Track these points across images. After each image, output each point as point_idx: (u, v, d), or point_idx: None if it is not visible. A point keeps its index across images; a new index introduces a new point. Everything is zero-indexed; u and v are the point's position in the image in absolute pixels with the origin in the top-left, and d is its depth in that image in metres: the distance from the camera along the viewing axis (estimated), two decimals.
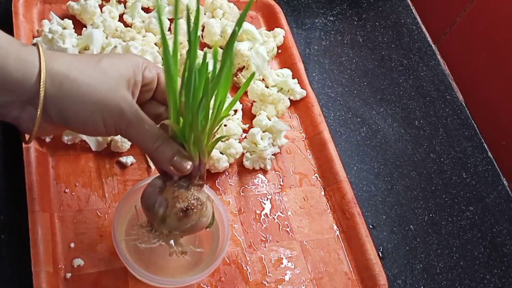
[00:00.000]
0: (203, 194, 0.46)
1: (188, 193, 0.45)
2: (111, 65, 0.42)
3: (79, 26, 0.67)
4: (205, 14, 0.75)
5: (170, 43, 0.40)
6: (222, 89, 0.42)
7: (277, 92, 0.69)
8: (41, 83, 0.38)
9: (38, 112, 0.39)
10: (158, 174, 0.47)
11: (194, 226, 0.46)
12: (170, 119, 0.43)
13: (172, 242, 0.46)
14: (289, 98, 0.71)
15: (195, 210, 0.45)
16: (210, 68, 0.41)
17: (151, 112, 0.46)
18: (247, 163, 0.64)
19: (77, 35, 0.65)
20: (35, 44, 0.40)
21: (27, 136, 0.43)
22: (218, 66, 0.40)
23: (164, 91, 0.45)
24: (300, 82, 0.72)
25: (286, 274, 0.58)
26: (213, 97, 0.42)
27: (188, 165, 0.44)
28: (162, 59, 0.41)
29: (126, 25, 0.70)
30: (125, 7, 0.72)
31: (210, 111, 0.42)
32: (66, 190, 0.55)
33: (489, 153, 0.82)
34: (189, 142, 0.43)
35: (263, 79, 0.72)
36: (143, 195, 0.46)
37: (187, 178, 0.46)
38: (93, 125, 0.41)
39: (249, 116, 0.69)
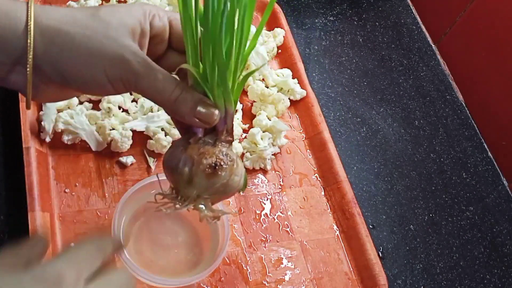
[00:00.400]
0: (233, 152, 0.41)
1: (216, 149, 0.39)
2: (111, 14, 0.37)
3: None
4: None
5: None
6: (247, 10, 0.35)
7: (277, 92, 0.70)
8: (29, 40, 0.34)
9: (28, 71, 0.35)
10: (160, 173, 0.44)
11: (226, 186, 0.40)
12: (189, 62, 0.37)
13: (202, 206, 0.40)
14: (289, 98, 0.71)
15: (225, 167, 0.39)
16: None
17: (169, 65, 0.40)
18: (247, 163, 0.64)
19: None
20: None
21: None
22: None
23: (181, 38, 0.39)
24: (300, 82, 0.72)
25: (286, 274, 0.58)
26: (236, 22, 0.36)
27: (215, 113, 0.38)
28: None
29: None
30: None
31: (234, 43, 0.36)
32: (66, 190, 0.55)
33: (489, 153, 0.82)
34: (212, 87, 0.37)
35: (263, 79, 0.72)
36: (165, 157, 0.41)
37: (213, 135, 0.40)
38: (96, 82, 0.37)
39: (249, 116, 0.69)
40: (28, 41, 0.34)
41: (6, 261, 0.31)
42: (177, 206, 0.39)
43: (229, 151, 0.40)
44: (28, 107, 0.38)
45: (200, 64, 0.37)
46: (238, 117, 0.67)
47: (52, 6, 0.37)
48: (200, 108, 0.38)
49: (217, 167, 0.39)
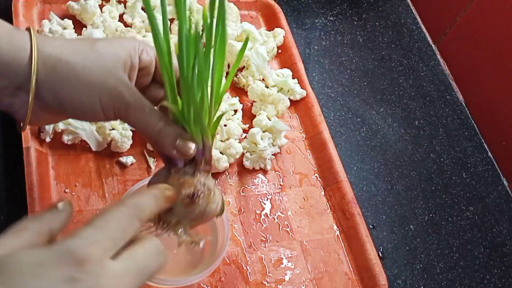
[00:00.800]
0: (211, 180, 0.44)
1: (194, 179, 0.42)
2: (107, 47, 0.40)
3: (79, 26, 0.67)
4: None
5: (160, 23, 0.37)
6: (218, 60, 0.39)
7: (277, 92, 0.69)
8: (33, 67, 0.36)
9: (30, 97, 0.37)
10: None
11: (203, 214, 0.43)
12: (168, 100, 0.40)
13: (181, 232, 0.43)
14: (289, 98, 0.71)
15: (202, 196, 0.42)
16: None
17: (152, 96, 0.44)
18: (247, 163, 0.64)
19: (77, 35, 0.65)
20: (28, 29, 0.38)
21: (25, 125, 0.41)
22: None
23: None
24: (300, 82, 0.72)
25: (286, 274, 0.58)
26: (210, 71, 0.39)
27: (192, 146, 0.41)
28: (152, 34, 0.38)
29: (126, 25, 0.70)
30: (125, 7, 0.72)
31: (209, 88, 0.40)
32: (66, 190, 0.55)
33: (489, 153, 0.82)
34: (189, 123, 0.40)
35: (263, 79, 0.72)
36: (148, 185, 0.44)
37: (193, 165, 0.43)
38: (91, 109, 0.39)
39: (249, 116, 0.69)
40: (32, 68, 0.36)
41: (27, 239, 0.31)
42: (158, 231, 0.42)
43: (207, 180, 0.43)
44: (23, 130, 0.41)
45: (179, 100, 0.40)
46: (238, 117, 0.67)
47: (51, 36, 0.39)
48: (179, 142, 0.41)
49: (194, 197, 0.42)
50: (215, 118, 0.42)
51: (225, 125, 0.65)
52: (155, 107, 0.41)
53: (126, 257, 0.31)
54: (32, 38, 0.37)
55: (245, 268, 0.57)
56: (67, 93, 0.38)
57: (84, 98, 0.38)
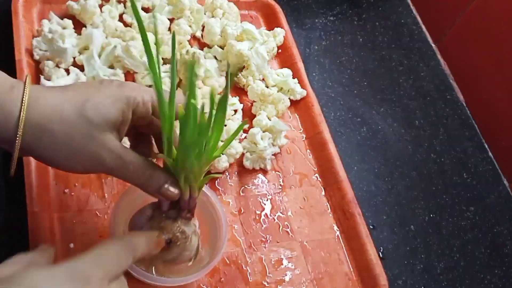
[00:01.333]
0: (190, 228, 0.47)
1: (174, 225, 0.45)
2: (96, 109, 0.40)
3: (79, 26, 0.67)
4: (205, 13, 0.75)
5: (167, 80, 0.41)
6: (215, 133, 0.42)
7: (277, 92, 0.69)
8: (17, 137, 0.38)
9: (14, 157, 0.39)
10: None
11: (176, 259, 0.47)
12: (164, 152, 0.43)
13: (153, 269, 0.49)
14: (289, 98, 0.71)
15: (178, 243, 0.45)
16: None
17: (154, 129, 0.46)
18: (247, 163, 0.64)
19: (77, 35, 0.65)
20: (24, 82, 0.39)
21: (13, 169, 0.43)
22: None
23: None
24: (300, 82, 0.72)
25: (286, 275, 0.58)
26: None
27: (176, 191, 0.44)
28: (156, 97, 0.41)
29: (126, 25, 0.70)
30: (125, 7, 0.72)
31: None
32: (66, 191, 0.55)
33: (489, 153, 0.82)
34: (180, 178, 0.43)
35: (263, 79, 0.72)
36: (132, 220, 0.47)
37: (176, 210, 0.46)
38: (74, 170, 0.41)
39: (249, 116, 0.69)
40: (17, 135, 0.38)
41: (26, 263, 0.36)
42: (134, 265, 0.45)
43: (187, 227, 0.46)
44: (13, 174, 0.42)
45: (174, 150, 0.43)
46: (238, 117, 0.67)
47: (45, 95, 0.40)
48: (164, 187, 0.43)
49: (171, 243, 0.45)
50: (202, 177, 0.45)
51: (225, 125, 0.65)
52: (140, 157, 0.43)
53: (119, 283, 0.37)
54: (23, 104, 0.38)
55: (245, 268, 0.57)
56: (50, 158, 0.40)
57: (66, 163, 0.41)
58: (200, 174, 0.44)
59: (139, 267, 0.46)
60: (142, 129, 0.46)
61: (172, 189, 0.43)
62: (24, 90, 0.39)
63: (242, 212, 0.61)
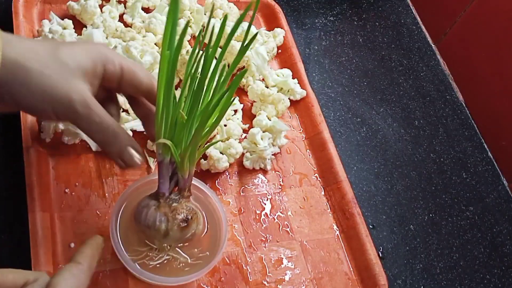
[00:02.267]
0: (191, 204, 0.49)
1: (182, 205, 0.48)
2: (70, 55, 0.42)
3: (79, 26, 0.67)
4: (205, 14, 0.75)
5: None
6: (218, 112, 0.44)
7: (277, 92, 0.69)
8: None
9: None
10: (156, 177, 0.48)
11: (194, 235, 0.49)
12: (160, 136, 0.44)
13: (176, 253, 0.50)
14: (289, 98, 0.71)
15: (193, 218, 0.48)
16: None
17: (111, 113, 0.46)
18: (247, 163, 0.64)
19: (77, 35, 0.65)
20: None
21: None
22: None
23: (129, 83, 0.46)
24: (300, 82, 0.72)
25: (286, 274, 0.58)
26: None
27: (138, 160, 0.44)
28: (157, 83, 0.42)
29: (126, 25, 0.70)
30: (125, 7, 0.72)
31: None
32: (66, 190, 0.55)
33: (489, 153, 0.82)
34: (176, 156, 0.45)
35: (263, 79, 0.72)
36: (139, 216, 0.47)
37: (177, 192, 0.48)
38: (44, 112, 0.42)
39: (249, 116, 0.69)
40: None
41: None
42: (159, 256, 0.48)
43: (190, 204, 0.49)
44: None
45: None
46: (238, 117, 0.68)
47: (19, 37, 0.41)
48: (126, 154, 0.44)
49: (189, 220, 0.47)
50: (201, 148, 0.47)
51: (225, 125, 0.65)
52: (108, 114, 0.43)
53: None
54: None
55: (245, 268, 0.57)
56: (22, 96, 0.40)
57: (37, 103, 0.41)
58: (199, 149, 0.46)
59: (164, 257, 0.48)
60: (113, 91, 0.47)
61: (135, 153, 0.44)
62: None
63: (242, 211, 0.61)
